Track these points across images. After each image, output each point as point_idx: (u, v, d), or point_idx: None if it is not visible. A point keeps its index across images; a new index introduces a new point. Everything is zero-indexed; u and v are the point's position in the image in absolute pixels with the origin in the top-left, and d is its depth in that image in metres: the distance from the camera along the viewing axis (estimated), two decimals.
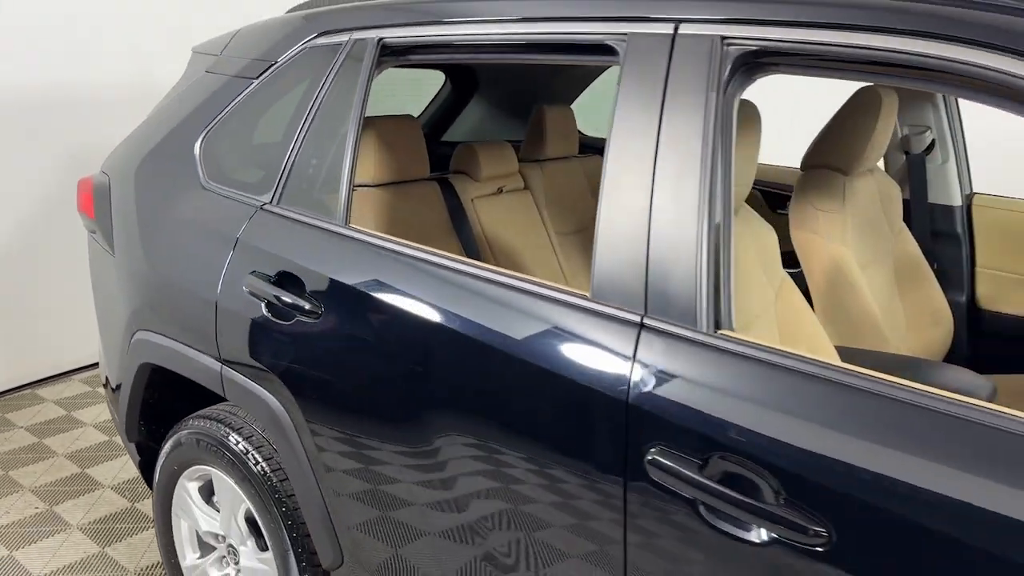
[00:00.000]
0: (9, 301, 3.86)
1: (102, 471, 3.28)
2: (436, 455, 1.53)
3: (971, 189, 2.44)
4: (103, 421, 3.69)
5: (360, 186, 2.27)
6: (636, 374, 1.25)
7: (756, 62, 1.28)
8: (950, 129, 2.37)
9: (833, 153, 2.13)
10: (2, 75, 3.60)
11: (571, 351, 1.33)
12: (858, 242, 2.12)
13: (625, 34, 1.40)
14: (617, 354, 1.28)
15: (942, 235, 2.41)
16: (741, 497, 1.13)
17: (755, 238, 1.79)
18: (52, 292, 3.95)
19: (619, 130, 1.36)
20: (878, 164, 2.32)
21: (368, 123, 2.24)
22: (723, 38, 1.29)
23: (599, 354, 1.30)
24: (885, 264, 2.25)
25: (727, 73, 1.28)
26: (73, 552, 2.76)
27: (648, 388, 1.24)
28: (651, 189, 1.31)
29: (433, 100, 3.28)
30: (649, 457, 1.22)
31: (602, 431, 1.28)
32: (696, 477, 1.17)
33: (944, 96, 2.39)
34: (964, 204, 2.40)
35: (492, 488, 1.45)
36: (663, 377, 1.23)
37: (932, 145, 2.36)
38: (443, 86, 3.27)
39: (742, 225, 1.77)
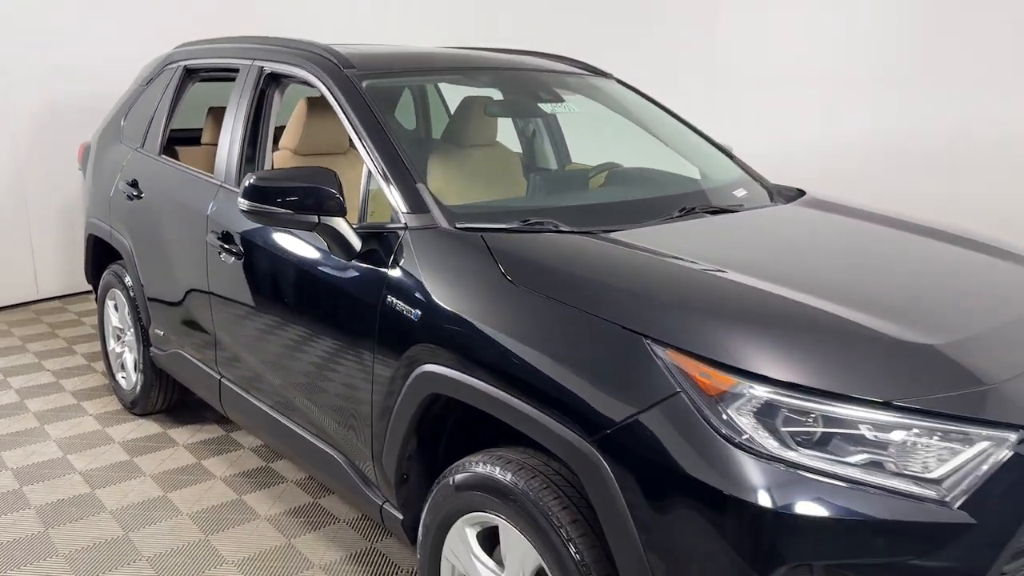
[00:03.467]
0: (74, 223, 5.98)
1: None
2: (169, 256, 3.35)
3: (569, 160, 4.02)
4: None
5: (205, 144, 4.13)
6: (214, 204, 3.03)
7: (272, 80, 3.05)
8: (547, 126, 3.95)
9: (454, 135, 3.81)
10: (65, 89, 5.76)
11: (200, 200, 3.12)
12: None
13: (240, 66, 3.19)
14: (208, 197, 3.07)
15: None
16: (224, 245, 2.89)
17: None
18: None
19: (229, 106, 3.15)
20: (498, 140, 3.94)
21: (211, 111, 4.11)
22: (261, 69, 3.06)
23: (207, 198, 3.08)
24: None
25: (262, 83, 3.05)
26: (85, 375, 4.75)
27: (216, 208, 3.02)
28: (230, 133, 3.09)
29: None
30: (210, 234, 3.00)
31: (200, 229, 3.06)
32: (217, 242, 2.94)
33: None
34: (560, 167, 3.98)
35: (182, 270, 3.25)
36: (220, 201, 3.00)
37: (535, 133, 3.97)
38: None
39: (350, 162, 3.51)
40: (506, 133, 3.87)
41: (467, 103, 3.50)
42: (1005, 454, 1.52)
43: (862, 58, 5.18)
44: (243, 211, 2.38)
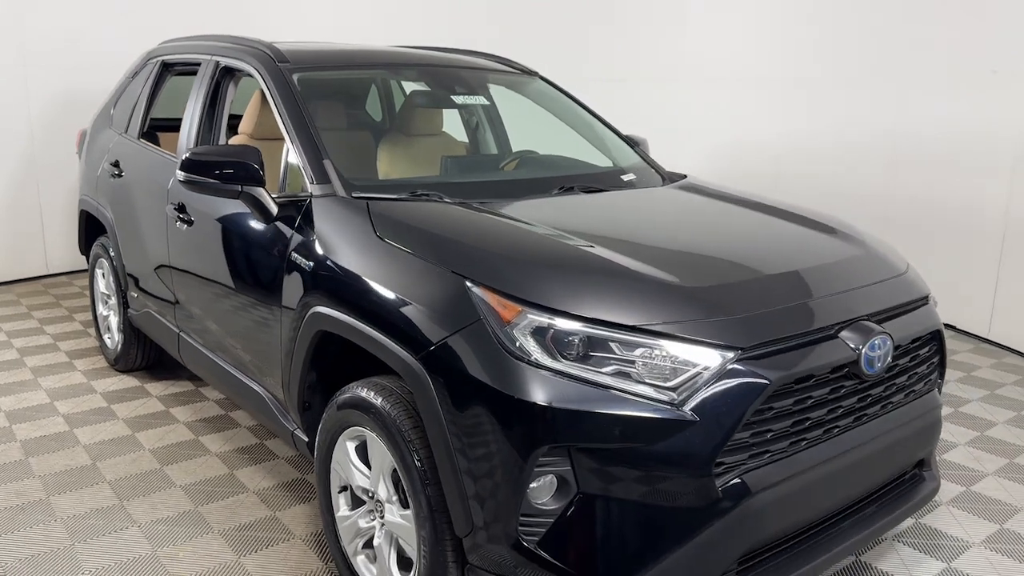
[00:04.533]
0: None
1: None
2: (140, 225, 3.83)
3: (510, 149, 4.44)
4: None
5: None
6: (173, 180, 3.50)
7: (226, 73, 3.51)
8: (488, 118, 4.37)
9: (401, 125, 4.25)
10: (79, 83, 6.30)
11: (163, 176, 3.59)
12: None
13: (202, 60, 3.67)
14: (170, 174, 3.54)
15: None
16: (180, 214, 3.36)
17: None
18: None
19: (190, 96, 3.62)
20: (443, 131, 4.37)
21: None
22: (217, 63, 3.53)
23: (168, 174, 3.55)
24: None
25: (218, 75, 3.52)
26: (80, 338, 5.27)
27: (174, 183, 3.48)
28: (190, 118, 3.56)
29: None
30: (169, 205, 3.47)
31: (162, 202, 3.53)
32: (174, 212, 3.40)
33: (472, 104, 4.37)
34: (501, 155, 4.40)
35: (149, 238, 3.73)
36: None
37: (478, 124, 4.40)
38: None
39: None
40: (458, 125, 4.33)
41: (411, 97, 3.94)
42: (726, 368, 1.93)
43: (811, 59, 5.54)
44: (180, 181, 2.84)
